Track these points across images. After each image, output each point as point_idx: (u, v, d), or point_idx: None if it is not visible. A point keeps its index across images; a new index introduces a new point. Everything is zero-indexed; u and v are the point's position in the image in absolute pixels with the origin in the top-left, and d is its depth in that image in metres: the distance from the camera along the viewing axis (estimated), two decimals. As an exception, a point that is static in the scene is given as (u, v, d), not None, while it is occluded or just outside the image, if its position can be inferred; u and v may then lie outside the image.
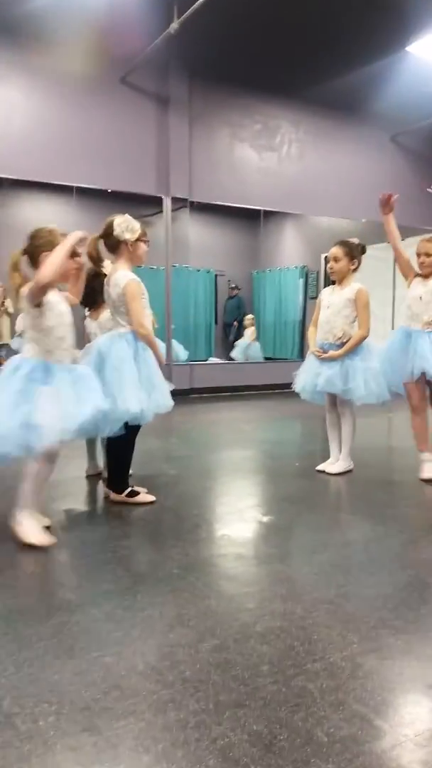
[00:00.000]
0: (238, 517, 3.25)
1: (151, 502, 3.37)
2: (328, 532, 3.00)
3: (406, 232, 4.16)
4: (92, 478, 3.94)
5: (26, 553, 2.64)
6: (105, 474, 3.78)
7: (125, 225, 3.17)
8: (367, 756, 1.42)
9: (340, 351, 3.89)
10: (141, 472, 4.00)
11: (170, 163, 8.01)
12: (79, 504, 3.55)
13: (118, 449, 3.36)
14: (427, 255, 3.91)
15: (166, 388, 3.28)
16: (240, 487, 3.90)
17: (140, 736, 1.48)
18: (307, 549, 2.78)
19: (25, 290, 2.80)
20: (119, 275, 3.18)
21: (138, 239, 3.23)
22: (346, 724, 1.53)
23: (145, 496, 3.40)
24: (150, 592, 2.27)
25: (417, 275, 3.93)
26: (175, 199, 8.11)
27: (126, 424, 3.10)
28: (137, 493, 3.39)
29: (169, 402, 3.27)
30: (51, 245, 2.80)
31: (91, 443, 3.96)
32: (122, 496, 3.35)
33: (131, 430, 3.22)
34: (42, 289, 2.70)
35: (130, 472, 3.53)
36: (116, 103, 7.64)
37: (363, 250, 4.00)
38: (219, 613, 2.11)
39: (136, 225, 3.21)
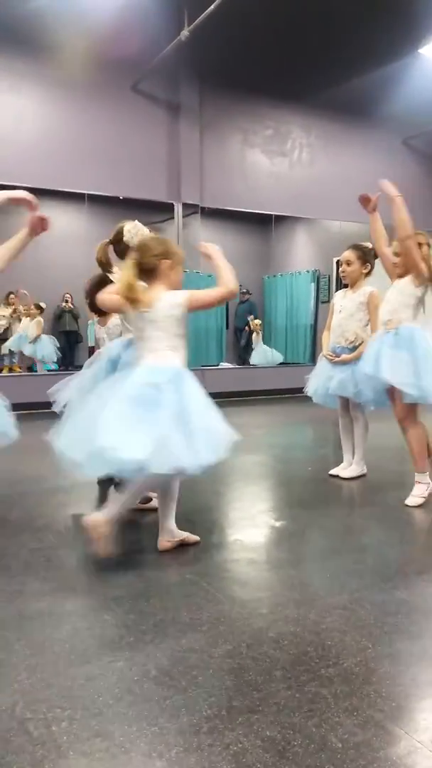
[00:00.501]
0: (250, 522, 3.24)
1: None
2: (341, 537, 2.98)
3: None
4: (104, 483, 3.95)
5: (36, 559, 2.64)
6: (117, 479, 3.79)
7: (135, 231, 3.18)
8: (382, 762, 1.41)
9: (353, 354, 3.87)
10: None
11: (181, 170, 8.04)
12: (91, 510, 3.55)
13: None
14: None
15: None
16: (252, 492, 3.89)
17: (153, 741, 1.47)
18: (320, 554, 2.76)
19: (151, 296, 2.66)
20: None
21: None
22: (361, 730, 1.52)
23: (156, 502, 3.39)
24: (162, 597, 2.27)
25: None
26: (186, 205, 8.14)
27: None
28: (149, 499, 3.39)
29: None
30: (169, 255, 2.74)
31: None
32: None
33: None
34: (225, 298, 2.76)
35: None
36: (127, 111, 7.70)
37: (376, 255, 3.99)
38: (232, 618, 2.10)
39: (146, 231, 3.22)
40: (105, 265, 3.32)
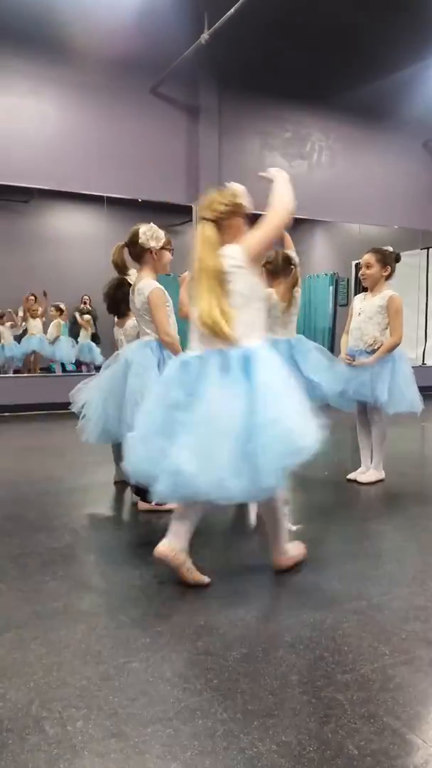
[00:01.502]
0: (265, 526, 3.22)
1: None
2: (358, 542, 2.96)
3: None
4: (120, 484, 3.96)
5: (53, 559, 2.66)
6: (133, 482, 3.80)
7: (150, 233, 3.20)
8: (399, 771, 1.39)
9: (371, 358, 3.84)
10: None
11: (200, 173, 8.06)
12: (107, 510, 3.56)
13: None
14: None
15: None
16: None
17: (168, 743, 1.47)
18: (337, 559, 2.74)
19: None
20: (144, 283, 3.20)
21: (162, 247, 3.25)
22: (378, 738, 1.50)
23: (173, 504, 3.39)
24: (178, 599, 2.27)
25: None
26: (204, 208, 8.16)
27: None
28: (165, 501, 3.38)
29: None
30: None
31: (118, 449, 3.98)
32: (151, 505, 3.35)
33: None
34: None
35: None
36: (146, 114, 7.74)
37: (397, 259, 3.96)
38: (247, 621, 2.09)
39: (161, 233, 3.23)
40: (121, 268, 3.35)
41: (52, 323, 8.74)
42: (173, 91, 7.82)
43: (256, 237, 2.43)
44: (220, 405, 2.12)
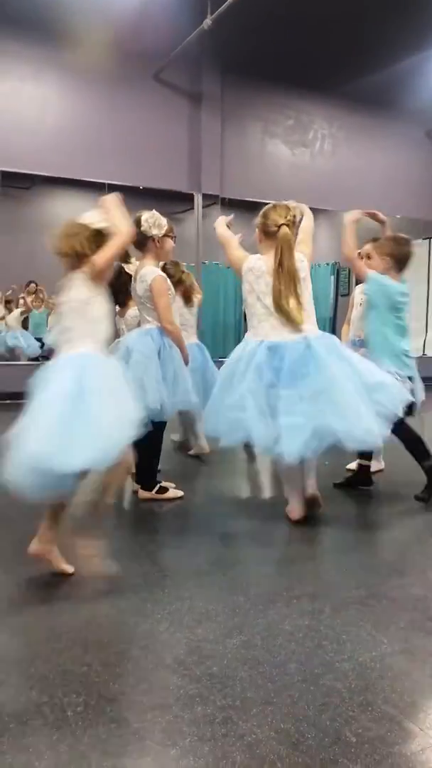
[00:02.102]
0: (267, 514, 3.23)
1: (180, 498, 3.38)
2: (358, 531, 2.97)
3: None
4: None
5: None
6: (134, 469, 3.81)
7: (152, 221, 3.18)
8: (396, 758, 1.40)
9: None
10: (169, 467, 4.01)
11: (202, 160, 8.01)
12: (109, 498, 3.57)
13: (145, 446, 3.36)
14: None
15: (190, 385, 3.27)
16: (269, 484, 3.88)
17: (167, 729, 1.48)
18: (336, 548, 2.75)
19: None
20: (146, 271, 3.19)
21: (165, 235, 3.24)
22: (375, 725, 1.51)
23: (173, 492, 3.41)
24: (178, 586, 2.28)
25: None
26: (206, 196, 8.11)
27: (152, 421, 3.11)
28: (166, 489, 3.40)
29: (192, 399, 3.27)
30: None
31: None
32: (151, 493, 3.36)
33: (157, 426, 3.23)
34: None
35: (159, 467, 3.55)
36: (148, 100, 7.67)
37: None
38: (247, 609, 2.10)
39: (163, 221, 3.22)
40: (123, 257, 3.33)
41: (54, 312, 8.71)
42: (175, 77, 7.75)
43: (309, 246, 3.09)
44: (343, 373, 2.71)
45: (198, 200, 8.10)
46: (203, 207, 8.13)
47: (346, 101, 8.89)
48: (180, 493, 3.41)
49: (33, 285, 8.77)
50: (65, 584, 2.28)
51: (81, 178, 7.42)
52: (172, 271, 3.93)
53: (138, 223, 3.19)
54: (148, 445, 3.33)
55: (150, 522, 3.09)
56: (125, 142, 7.54)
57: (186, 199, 8.12)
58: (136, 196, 7.74)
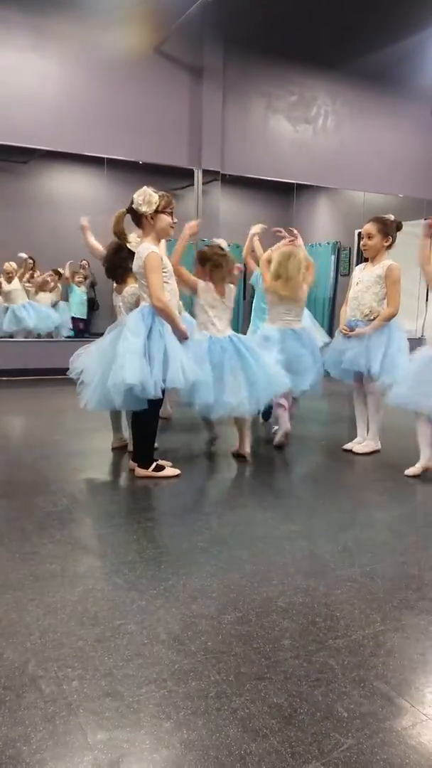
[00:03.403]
0: (263, 493, 3.25)
1: (177, 476, 3.39)
2: (353, 511, 2.98)
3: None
4: (118, 450, 3.98)
5: (50, 522, 2.68)
6: (131, 447, 3.82)
7: (142, 198, 3.14)
8: (386, 733, 1.42)
9: (367, 328, 3.82)
10: (166, 445, 4.02)
11: (203, 135, 7.88)
12: (105, 475, 3.58)
13: (142, 424, 3.37)
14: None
15: (184, 364, 3.17)
16: (265, 463, 3.89)
17: (162, 703, 1.50)
18: (331, 527, 2.76)
19: None
20: (141, 248, 3.18)
21: (159, 211, 3.18)
22: (367, 701, 1.53)
23: (170, 470, 3.41)
24: (174, 563, 2.29)
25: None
26: (206, 172, 8.01)
27: (148, 400, 3.12)
28: (162, 468, 3.40)
29: (183, 378, 3.16)
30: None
31: (116, 415, 3.99)
32: (148, 471, 3.37)
33: (153, 404, 3.22)
34: None
35: (155, 445, 3.55)
36: (149, 73, 7.53)
37: (399, 227, 3.90)
38: (242, 586, 2.12)
39: (154, 197, 3.15)
40: (120, 236, 3.32)
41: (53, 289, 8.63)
42: (177, 50, 7.59)
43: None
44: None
45: (198, 176, 7.99)
46: (203, 183, 8.02)
47: (351, 78, 8.73)
48: (177, 471, 3.42)
49: (84, 262, 8.61)
50: (61, 560, 2.30)
51: (80, 152, 7.32)
52: (208, 254, 3.74)
53: (132, 201, 3.16)
54: (144, 422, 3.34)
55: (146, 499, 3.10)
56: (125, 116, 7.41)
57: (186, 175, 8.01)
58: (136, 172, 7.64)
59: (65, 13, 6.91)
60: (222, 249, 3.78)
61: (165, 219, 3.23)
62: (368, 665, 1.68)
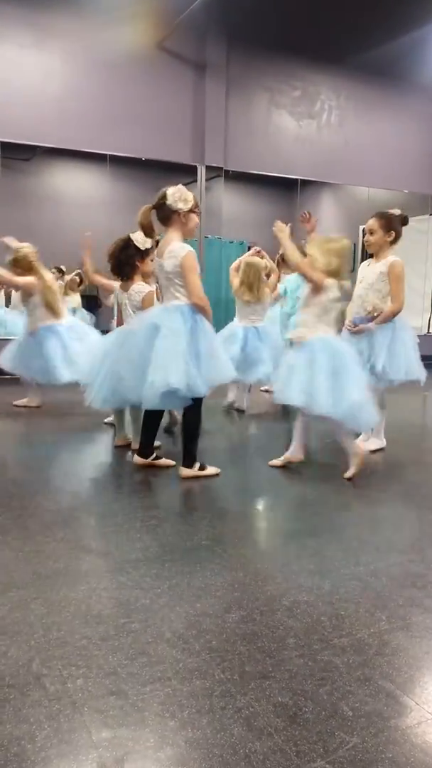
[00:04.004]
0: (266, 491, 3.24)
1: (217, 474, 3.37)
2: (358, 509, 2.98)
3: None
4: (121, 448, 3.98)
5: (54, 521, 2.68)
6: (134, 444, 3.82)
7: (179, 195, 3.12)
8: (392, 731, 1.42)
9: (370, 324, 3.81)
10: (167, 445, 4.02)
11: (206, 131, 7.86)
12: (108, 473, 3.59)
13: (189, 425, 3.32)
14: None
15: (225, 359, 3.30)
16: (269, 461, 3.88)
17: (166, 702, 1.50)
18: (336, 525, 2.76)
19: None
20: (175, 246, 3.13)
21: (190, 210, 3.18)
22: (372, 700, 1.52)
23: (212, 469, 3.37)
24: (178, 561, 2.29)
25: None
26: (209, 168, 7.98)
27: (193, 398, 3.14)
28: (205, 467, 3.37)
29: (229, 373, 3.31)
30: None
31: (119, 414, 3.99)
32: (194, 471, 3.32)
33: (197, 402, 3.22)
34: None
35: (157, 443, 3.55)
36: (152, 69, 7.50)
37: (404, 222, 3.86)
38: (246, 584, 2.11)
39: (190, 195, 3.16)
40: (147, 229, 3.24)
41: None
42: (180, 46, 7.57)
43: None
44: None
45: (201, 172, 7.97)
46: (206, 179, 8.00)
47: (355, 73, 8.69)
48: (218, 470, 3.39)
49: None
50: (64, 558, 2.30)
51: (83, 149, 7.31)
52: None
53: (164, 197, 3.12)
54: (190, 423, 3.31)
55: (150, 498, 3.10)
56: (128, 113, 7.39)
57: (189, 172, 7.99)
58: (139, 168, 7.63)
59: (68, 10, 6.90)
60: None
61: (194, 218, 3.23)
62: (373, 664, 1.67)
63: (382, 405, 3.97)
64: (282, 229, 3.41)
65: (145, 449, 3.46)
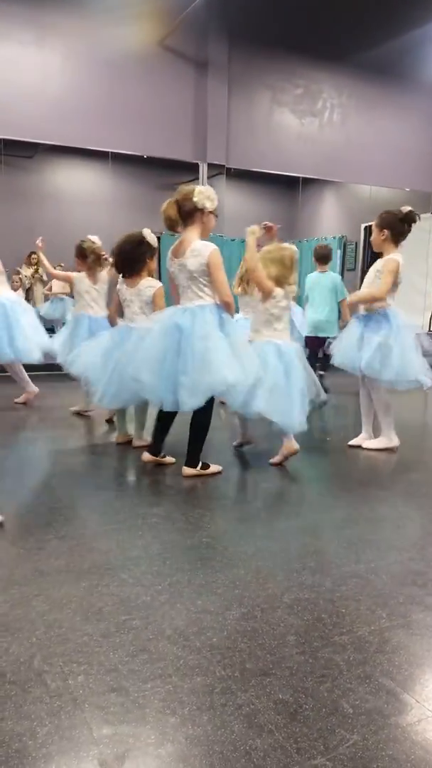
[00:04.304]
0: (268, 489, 3.24)
1: (219, 472, 3.38)
2: (358, 507, 2.98)
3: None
4: (122, 445, 3.98)
5: (55, 518, 2.68)
6: (136, 441, 3.83)
7: (207, 193, 3.13)
8: (392, 729, 1.42)
9: (351, 297, 3.85)
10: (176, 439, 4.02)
11: (208, 129, 7.86)
12: (109, 470, 3.59)
13: (200, 425, 3.32)
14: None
15: (252, 356, 3.26)
16: (269, 459, 3.89)
17: (167, 698, 1.50)
18: (337, 523, 2.76)
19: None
20: (199, 245, 3.11)
21: (212, 211, 3.19)
22: (372, 697, 1.53)
23: (214, 467, 3.39)
24: (179, 558, 2.29)
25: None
26: (211, 166, 7.98)
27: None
28: (208, 466, 3.37)
29: (256, 372, 3.25)
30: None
31: (122, 411, 3.99)
32: (196, 470, 3.32)
33: (210, 403, 3.22)
34: None
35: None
36: (154, 67, 7.50)
37: (407, 219, 3.81)
38: (247, 582, 2.11)
39: (216, 196, 3.18)
40: (174, 222, 3.21)
41: (54, 281, 8.60)
42: (182, 43, 7.56)
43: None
44: None
45: (203, 170, 7.97)
46: (208, 177, 8.00)
47: (357, 70, 8.68)
48: (220, 468, 3.41)
49: (34, 256, 8.59)
50: (65, 555, 2.30)
51: (84, 147, 7.31)
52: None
53: (191, 193, 3.11)
54: (202, 423, 3.31)
55: (150, 495, 3.10)
56: (129, 110, 7.39)
57: (191, 169, 7.99)
58: (141, 166, 7.63)
59: (69, 7, 6.89)
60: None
61: (213, 219, 3.24)
62: (374, 661, 1.68)
63: (387, 405, 3.94)
64: (253, 232, 3.41)
65: (156, 447, 3.47)
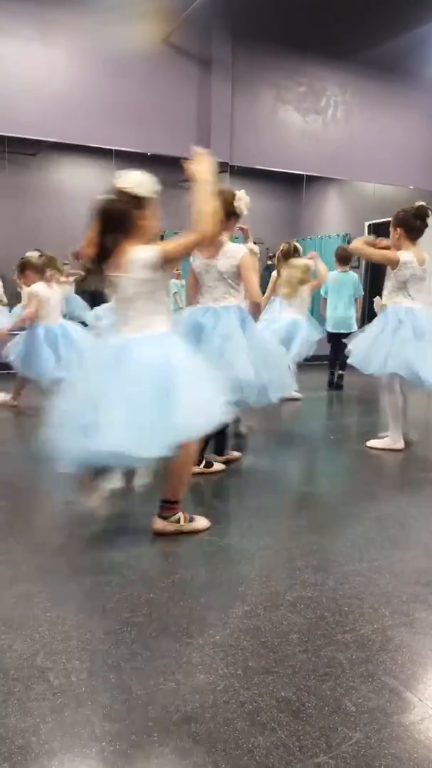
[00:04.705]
0: (271, 487, 3.24)
1: (221, 471, 3.37)
2: (362, 505, 2.97)
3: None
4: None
5: (60, 515, 2.69)
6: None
7: (246, 200, 3.15)
8: (395, 727, 1.42)
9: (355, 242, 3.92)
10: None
11: (211, 126, 7.84)
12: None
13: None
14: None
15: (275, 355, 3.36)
16: (274, 458, 3.89)
17: (170, 696, 1.50)
18: (340, 521, 2.76)
19: None
20: (233, 247, 3.13)
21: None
22: (375, 696, 1.53)
23: (218, 466, 3.40)
24: (182, 555, 2.30)
25: None
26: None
27: None
28: (212, 464, 3.37)
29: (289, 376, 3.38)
30: None
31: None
32: (200, 468, 3.29)
33: None
34: None
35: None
36: (157, 65, 7.49)
37: (418, 214, 3.78)
38: (250, 579, 2.11)
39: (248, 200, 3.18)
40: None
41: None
42: (185, 41, 7.54)
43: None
44: None
45: (207, 168, 7.96)
46: (212, 175, 7.99)
47: (361, 68, 8.64)
48: (222, 466, 3.40)
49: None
50: (69, 551, 2.30)
51: (88, 144, 7.30)
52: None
53: (232, 197, 3.10)
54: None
55: (154, 493, 3.10)
56: (133, 108, 7.38)
57: (194, 167, 7.98)
58: (144, 163, 7.60)
59: (73, 4, 6.88)
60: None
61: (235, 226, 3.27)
62: (376, 660, 1.67)
63: (393, 405, 3.89)
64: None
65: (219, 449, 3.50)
